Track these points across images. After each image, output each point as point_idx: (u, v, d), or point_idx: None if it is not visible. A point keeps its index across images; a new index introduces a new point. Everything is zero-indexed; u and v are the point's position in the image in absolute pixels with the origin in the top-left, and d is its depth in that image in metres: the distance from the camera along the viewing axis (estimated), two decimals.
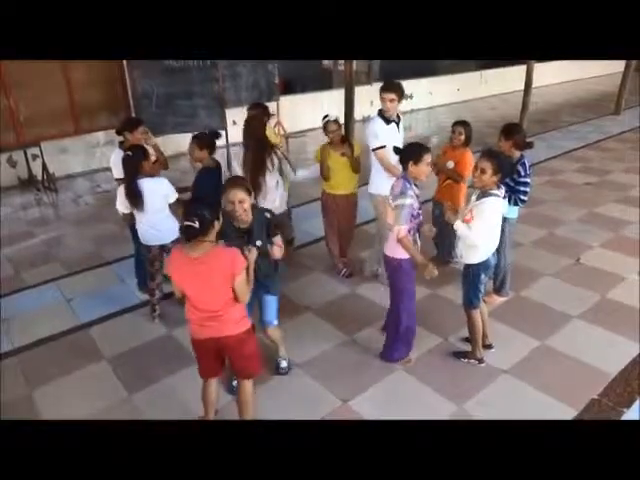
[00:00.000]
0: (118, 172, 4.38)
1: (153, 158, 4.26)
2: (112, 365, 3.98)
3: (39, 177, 8.08)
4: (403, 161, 3.53)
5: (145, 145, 4.39)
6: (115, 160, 4.43)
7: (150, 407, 3.54)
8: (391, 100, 4.33)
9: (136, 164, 4.02)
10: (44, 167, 7.95)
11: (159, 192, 4.10)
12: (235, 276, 2.76)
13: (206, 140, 4.49)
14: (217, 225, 2.78)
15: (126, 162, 4.04)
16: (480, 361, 3.86)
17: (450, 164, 4.74)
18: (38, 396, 3.68)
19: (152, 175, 4.16)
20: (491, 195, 3.47)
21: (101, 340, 4.27)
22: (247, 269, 2.89)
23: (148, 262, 4.37)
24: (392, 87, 4.37)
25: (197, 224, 2.60)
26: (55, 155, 8.45)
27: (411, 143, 3.64)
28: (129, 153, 4.03)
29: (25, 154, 7.99)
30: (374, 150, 4.48)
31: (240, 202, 3.12)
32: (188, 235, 2.65)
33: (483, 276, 3.70)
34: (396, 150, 3.62)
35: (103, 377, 3.85)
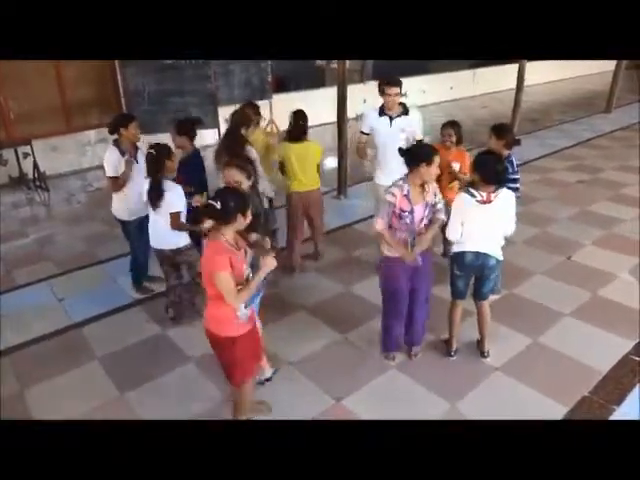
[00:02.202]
0: (110, 170, 4.35)
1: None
2: (104, 364, 3.96)
3: (30, 175, 8.01)
4: (413, 162, 3.41)
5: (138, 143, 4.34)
6: (108, 158, 4.36)
7: (143, 406, 3.52)
8: (396, 94, 4.46)
9: (161, 162, 3.86)
10: (35, 165, 7.88)
11: (171, 196, 3.91)
12: (211, 273, 2.69)
13: (184, 126, 4.45)
14: (242, 220, 2.73)
15: (149, 161, 3.89)
16: (448, 353, 3.95)
17: (456, 166, 4.70)
18: (30, 396, 3.65)
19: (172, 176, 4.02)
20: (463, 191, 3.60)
21: (93, 339, 4.25)
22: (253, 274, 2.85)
23: (159, 263, 4.30)
24: (396, 81, 4.49)
25: (219, 205, 2.61)
26: (46, 153, 8.38)
27: (421, 144, 3.56)
28: (152, 151, 3.86)
29: (16, 152, 7.91)
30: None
31: (236, 183, 3.20)
32: (208, 214, 2.67)
33: (455, 270, 3.76)
34: (401, 152, 3.56)
35: (95, 376, 3.83)
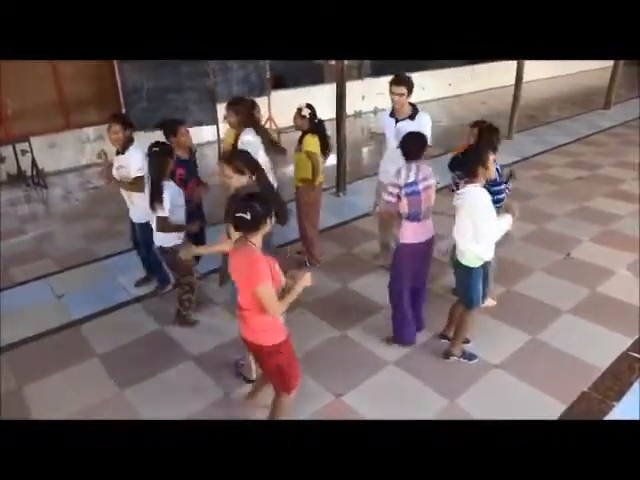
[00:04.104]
0: None
1: None
2: (104, 361, 3.96)
3: (28, 173, 7.99)
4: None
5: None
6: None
7: (142, 403, 3.53)
8: (400, 94, 4.23)
9: (164, 163, 3.81)
10: (33, 162, 7.87)
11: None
12: (254, 285, 2.60)
13: (168, 125, 4.39)
14: (268, 224, 2.70)
15: (151, 159, 3.81)
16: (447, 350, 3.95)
17: None
18: (28, 393, 3.65)
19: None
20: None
21: (92, 336, 4.25)
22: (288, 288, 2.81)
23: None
24: (401, 80, 4.24)
25: (249, 216, 2.58)
26: (44, 150, 8.35)
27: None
28: (156, 149, 3.80)
29: (14, 149, 7.89)
30: None
31: (226, 177, 3.36)
32: (240, 227, 2.65)
33: None
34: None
35: (95, 374, 3.84)
